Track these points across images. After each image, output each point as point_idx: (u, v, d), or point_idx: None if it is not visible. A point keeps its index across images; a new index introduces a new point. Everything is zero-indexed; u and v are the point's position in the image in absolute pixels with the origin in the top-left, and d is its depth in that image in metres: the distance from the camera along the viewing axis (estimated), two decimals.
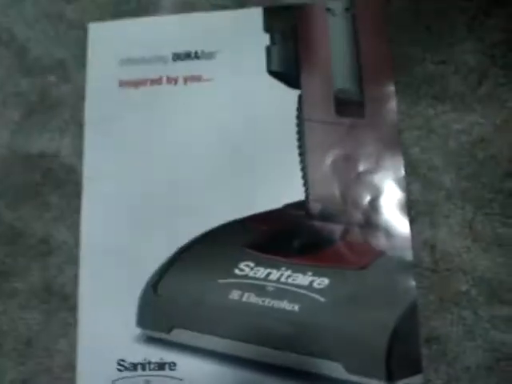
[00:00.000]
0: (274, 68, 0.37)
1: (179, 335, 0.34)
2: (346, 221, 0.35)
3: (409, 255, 0.33)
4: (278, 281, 0.34)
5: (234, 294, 0.34)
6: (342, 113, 0.36)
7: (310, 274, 0.34)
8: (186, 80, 0.38)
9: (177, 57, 0.38)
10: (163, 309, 0.35)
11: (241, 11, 0.39)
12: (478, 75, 0.36)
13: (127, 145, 0.37)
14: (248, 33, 0.38)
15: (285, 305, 0.33)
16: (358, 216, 0.35)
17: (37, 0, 0.41)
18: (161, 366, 0.34)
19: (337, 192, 0.35)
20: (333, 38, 0.37)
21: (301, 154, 0.36)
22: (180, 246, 0.35)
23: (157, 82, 0.38)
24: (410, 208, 0.35)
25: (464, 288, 0.33)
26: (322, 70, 0.37)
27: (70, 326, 0.36)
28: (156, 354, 0.34)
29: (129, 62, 0.39)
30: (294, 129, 0.36)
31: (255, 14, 0.38)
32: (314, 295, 0.33)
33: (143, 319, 0.35)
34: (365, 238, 0.34)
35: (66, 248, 0.37)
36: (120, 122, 0.38)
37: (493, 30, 0.37)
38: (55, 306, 0.36)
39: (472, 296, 0.33)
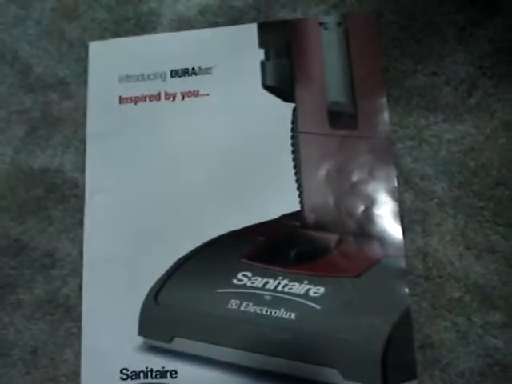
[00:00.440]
0: (269, 83, 0.38)
1: (180, 344, 0.35)
2: (341, 230, 0.36)
3: (402, 263, 0.34)
4: (275, 290, 0.35)
5: (233, 304, 0.35)
6: (336, 125, 0.37)
7: (306, 282, 0.35)
8: (183, 96, 0.39)
9: (175, 73, 0.39)
10: (164, 318, 0.35)
11: (236, 28, 0.40)
12: (468, 86, 0.37)
13: (127, 159, 0.39)
14: (243, 48, 0.39)
15: (282, 313, 0.34)
16: (352, 225, 0.36)
17: (39, 20, 0.42)
18: (162, 374, 0.35)
19: (331, 202, 0.36)
20: (326, 52, 0.38)
21: (296, 166, 0.37)
22: (179, 257, 0.36)
23: (155, 97, 0.39)
24: (403, 217, 0.35)
25: (457, 295, 0.34)
26: (316, 84, 0.38)
27: (74, 336, 0.36)
28: (158, 362, 0.35)
29: (128, 78, 0.40)
30: (289, 141, 0.37)
31: (250, 30, 0.39)
32: (310, 303, 0.34)
33: (145, 329, 0.36)
34: (359, 246, 0.35)
35: (69, 260, 0.38)
36: (120, 137, 0.39)
37: (482, 41, 0.37)
38: (60, 317, 0.37)
39: (465, 302, 0.34)
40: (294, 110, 0.38)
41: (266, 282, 0.35)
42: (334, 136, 0.37)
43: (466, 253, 0.35)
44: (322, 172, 0.37)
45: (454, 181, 0.36)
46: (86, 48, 0.41)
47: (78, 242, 0.38)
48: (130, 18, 0.41)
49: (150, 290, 0.36)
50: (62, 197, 0.39)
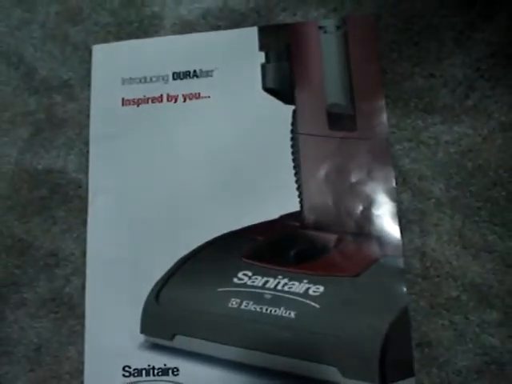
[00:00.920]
0: (269, 85, 0.39)
1: (181, 342, 0.36)
2: (340, 230, 0.36)
3: (400, 262, 0.35)
4: (275, 289, 0.35)
5: (233, 302, 0.35)
6: (335, 126, 0.38)
7: (305, 281, 0.35)
8: (185, 98, 0.40)
9: (177, 76, 0.40)
10: (165, 317, 0.36)
11: (237, 31, 0.40)
12: (465, 88, 0.37)
13: (130, 160, 0.39)
14: (244, 51, 0.40)
15: (282, 312, 0.34)
16: (351, 225, 0.36)
17: (44, 23, 0.43)
18: (164, 371, 0.35)
19: (330, 202, 0.37)
20: (325, 54, 0.39)
21: (295, 167, 0.37)
22: (180, 257, 0.37)
23: (158, 100, 0.40)
24: (401, 217, 0.36)
25: (454, 294, 0.35)
26: (315, 86, 0.38)
27: (77, 334, 0.37)
28: (160, 360, 0.36)
29: (131, 81, 0.40)
30: (289, 143, 0.38)
31: (251, 34, 0.40)
32: (309, 302, 0.34)
33: (147, 327, 0.36)
34: (358, 246, 0.36)
35: (73, 260, 0.38)
36: (123, 139, 0.39)
37: (479, 44, 0.38)
38: (63, 315, 0.38)
39: (462, 301, 0.34)
40: (294, 111, 0.38)
41: (266, 281, 0.35)
42: (333, 137, 0.38)
43: (463, 252, 0.35)
44: (322, 173, 0.37)
45: (452, 181, 0.36)
46: (90, 51, 0.42)
47: (82, 241, 0.38)
48: (133, 22, 0.42)
49: (152, 289, 0.36)
50: (65, 197, 0.39)
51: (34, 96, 0.42)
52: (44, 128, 0.41)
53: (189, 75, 0.40)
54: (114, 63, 0.41)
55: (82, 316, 0.37)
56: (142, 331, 0.36)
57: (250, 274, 0.36)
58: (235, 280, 0.36)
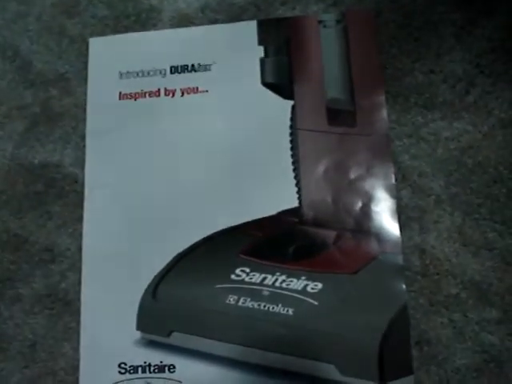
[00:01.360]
0: (268, 80, 0.38)
1: (178, 339, 0.35)
2: (339, 226, 0.36)
3: (399, 260, 0.35)
4: (273, 285, 0.35)
5: (231, 299, 0.35)
6: (334, 122, 0.37)
7: (303, 278, 0.35)
8: (183, 92, 0.39)
9: (174, 69, 0.40)
10: (162, 313, 0.36)
11: (236, 25, 0.40)
12: (465, 84, 0.37)
13: (127, 155, 0.39)
14: (243, 46, 0.39)
15: (280, 308, 0.34)
16: (350, 222, 0.36)
17: (40, 16, 0.43)
18: (161, 368, 0.35)
19: (329, 199, 0.36)
20: (324, 49, 0.38)
21: (294, 163, 0.37)
22: (178, 253, 0.36)
23: (155, 94, 0.39)
24: (401, 214, 0.36)
25: (454, 291, 0.34)
26: (315, 81, 0.38)
27: (72, 330, 0.37)
28: (156, 356, 0.35)
29: (128, 75, 0.40)
30: (288, 138, 0.37)
31: (249, 28, 0.39)
32: (307, 299, 0.34)
33: (143, 323, 0.36)
34: (357, 243, 0.35)
35: (68, 255, 0.38)
36: (120, 133, 0.39)
37: (480, 40, 0.38)
38: (58, 311, 0.37)
39: (462, 299, 0.34)
40: (293, 107, 0.38)
41: (264, 278, 0.35)
42: (333, 133, 0.37)
43: (463, 250, 0.35)
44: (321, 169, 0.37)
45: (452, 178, 0.36)
46: (87, 44, 0.41)
47: (77, 237, 0.38)
48: (131, 15, 0.41)
49: (149, 285, 0.36)
50: (61, 192, 0.39)
51: (30, 89, 0.41)
52: (40, 122, 0.41)
53: (187, 69, 0.40)
54: (111, 56, 0.41)
55: (78, 312, 0.37)
56: (138, 328, 0.36)
57: (247, 270, 0.36)
58: (233, 276, 0.36)
